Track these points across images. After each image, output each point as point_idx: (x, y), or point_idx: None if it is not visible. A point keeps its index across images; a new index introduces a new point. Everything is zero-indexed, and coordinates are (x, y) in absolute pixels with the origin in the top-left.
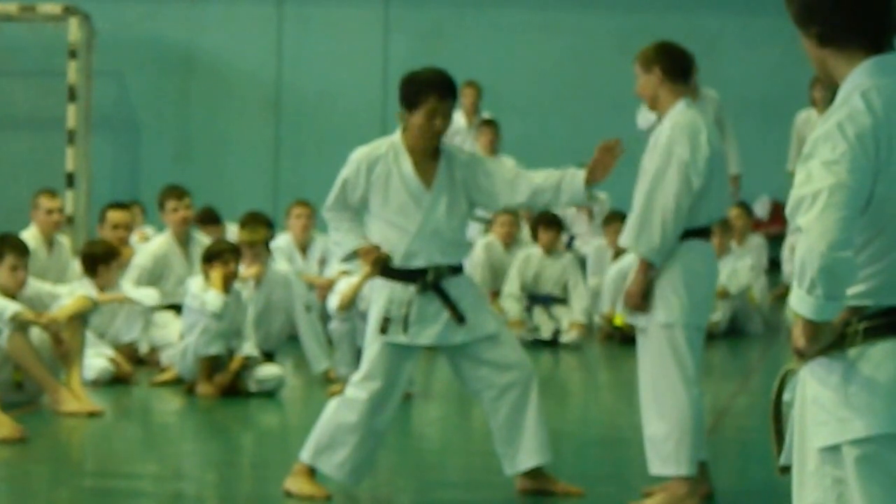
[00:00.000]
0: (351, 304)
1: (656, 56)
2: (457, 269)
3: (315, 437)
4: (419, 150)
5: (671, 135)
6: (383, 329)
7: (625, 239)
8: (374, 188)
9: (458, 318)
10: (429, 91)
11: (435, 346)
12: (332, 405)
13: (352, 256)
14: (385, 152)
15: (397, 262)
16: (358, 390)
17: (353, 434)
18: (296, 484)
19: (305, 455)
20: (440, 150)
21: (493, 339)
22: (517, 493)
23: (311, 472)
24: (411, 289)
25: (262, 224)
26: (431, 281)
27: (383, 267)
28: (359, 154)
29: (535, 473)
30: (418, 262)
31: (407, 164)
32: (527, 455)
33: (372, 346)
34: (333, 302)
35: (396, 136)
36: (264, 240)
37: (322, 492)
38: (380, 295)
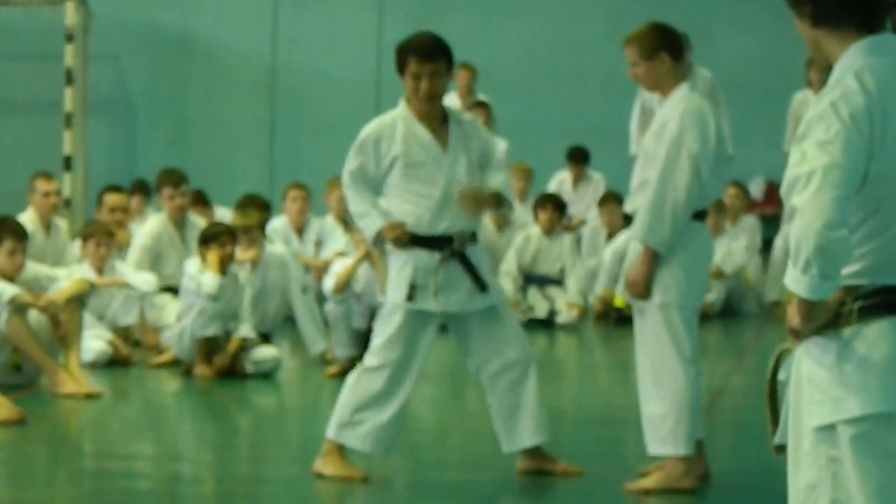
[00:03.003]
0: (346, 286)
1: (662, 41)
2: (474, 236)
3: (338, 412)
4: (424, 115)
5: (681, 124)
6: (410, 297)
7: (635, 232)
8: (390, 162)
9: (482, 285)
10: (407, 54)
11: (457, 313)
12: (353, 378)
13: (379, 239)
14: (393, 124)
15: (422, 229)
16: (379, 359)
17: (376, 404)
18: (328, 466)
19: (330, 432)
20: (447, 114)
21: (500, 311)
22: (514, 473)
23: (340, 451)
24: (436, 256)
25: (257, 207)
26: (457, 248)
27: (398, 243)
28: (365, 131)
29: (534, 453)
30: (442, 228)
31: (422, 130)
32: (525, 434)
33: (393, 315)
34: (329, 283)
35: (402, 107)
36: (259, 223)
37: (358, 473)
38: (403, 263)
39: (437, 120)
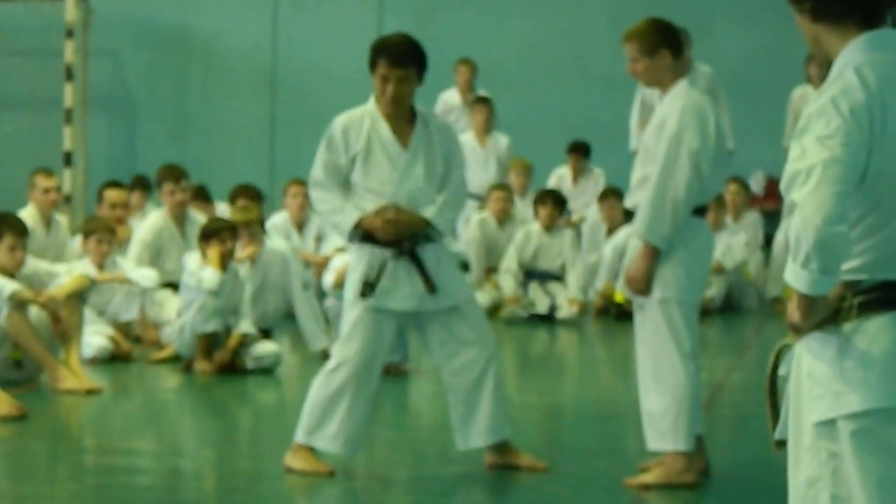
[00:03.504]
0: None
1: (662, 38)
2: (432, 235)
3: (306, 415)
4: (389, 115)
5: (681, 121)
6: (363, 294)
7: (636, 229)
8: (356, 157)
9: (430, 287)
10: (378, 55)
11: (411, 311)
12: (317, 380)
13: (354, 234)
14: (361, 118)
15: None
16: (338, 357)
17: (340, 403)
18: (297, 461)
19: (300, 436)
20: (416, 115)
21: (462, 311)
22: (514, 467)
23: (310, 449)
24: (387, 253)
25: (250, 197)
26: (408, 247)
27: (386, 231)
28: (335, 122)
29: (500, 448)
30: None
31: (384, 129)
32: (479, 433)
33: (350, 312)
34: (329, 279)
35: (371, 104)
36: (258, 218)
37: (325, 467)
38: (358, 260)
39: (404, 120)
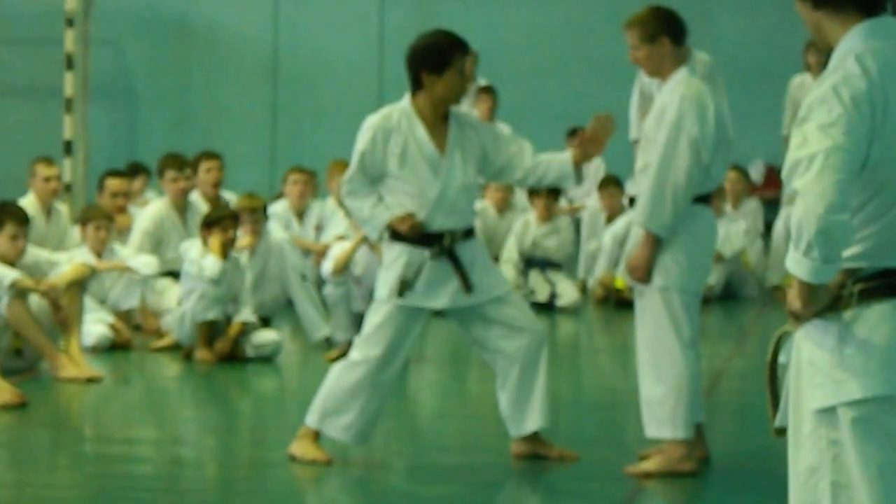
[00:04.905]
0: (345, 269)
1: (663, 25)
2: (468, 233)
3: (320, 401)
4: (433, 114)
5: (680, 109)
6: (400, 293)
7: (636, 217)
8: (391, 158)
9: (467, 286)
10: (457, 49)
11: (447, 308)
12: (337, 369)
13: (383, 231)
14: (398, 120)
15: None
16: (363, 353)
17: (358, 396)
18: (300, 448)
19: (311, 419)
20: (449, 114)
21: (502, 301)
22: (512, 457)
23: (316, 437)
24: (426, 253)
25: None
26: (447, 246)
27: (413, 233)
28: (371, 123)
29: (532, 438)
30: (435, 227)
31: (420, 130)
32: (534, 417)
33: (380, 309)
34: (328, 266)
35: (406, 103)
36: (263, 206)
37: (325, 456)
38: (395, 259)
39: (441, 120)
